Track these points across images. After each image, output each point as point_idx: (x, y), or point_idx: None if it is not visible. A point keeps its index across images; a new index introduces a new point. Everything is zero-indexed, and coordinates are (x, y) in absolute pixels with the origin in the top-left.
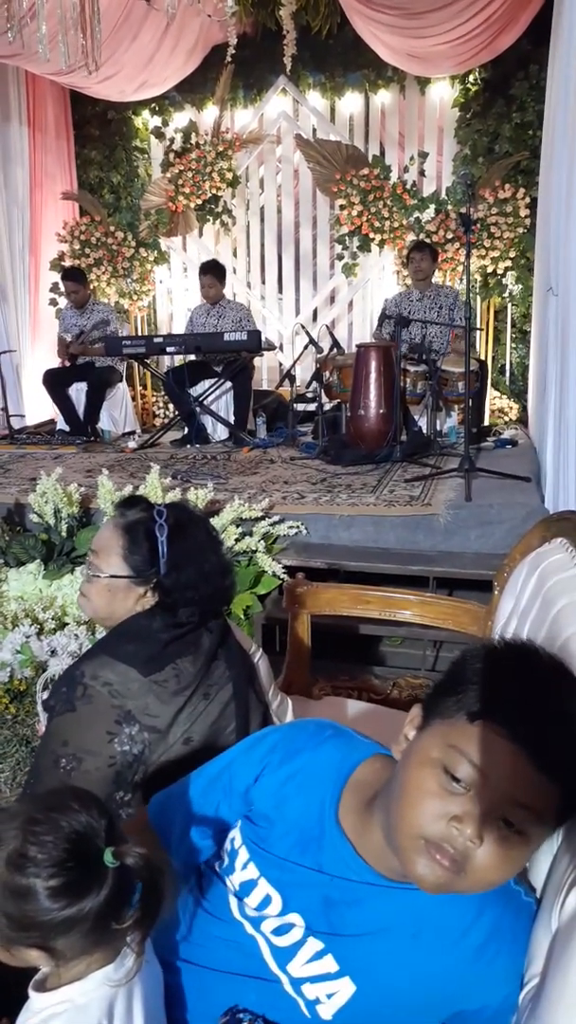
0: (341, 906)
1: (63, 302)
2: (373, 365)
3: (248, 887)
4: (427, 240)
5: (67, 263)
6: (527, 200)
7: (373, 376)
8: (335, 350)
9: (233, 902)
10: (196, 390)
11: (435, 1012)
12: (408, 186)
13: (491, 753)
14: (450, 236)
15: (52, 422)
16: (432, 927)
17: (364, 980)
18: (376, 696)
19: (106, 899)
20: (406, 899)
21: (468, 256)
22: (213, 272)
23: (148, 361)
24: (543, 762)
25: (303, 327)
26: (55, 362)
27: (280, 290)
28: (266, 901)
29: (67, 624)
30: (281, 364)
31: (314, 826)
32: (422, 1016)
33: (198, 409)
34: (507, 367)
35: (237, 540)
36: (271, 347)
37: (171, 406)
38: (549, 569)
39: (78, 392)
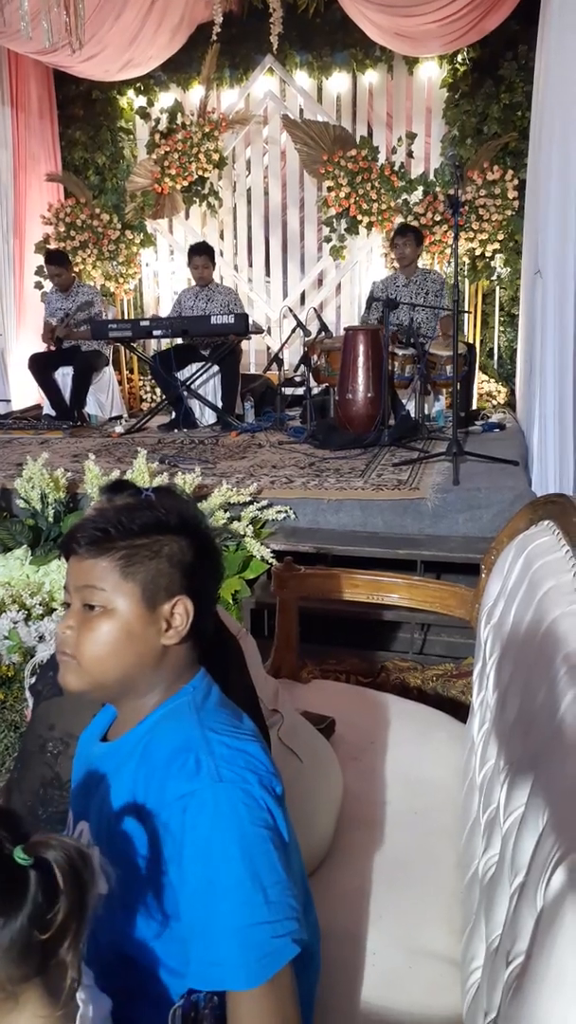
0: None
1: (48, 285)
2: (361, 349)
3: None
4: (414, 223)
5: (52, 246)
6: (515, 182)
7: (361, 360)
8: (323, 333)
9: None
10: (183, 374)
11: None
12: (396, 167)
13: (67, 572)
14: (438, 218)
15: (38, 407)
16: (124, 766)
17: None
18: (364, 679)
19: (32, 903)
20: (114, 749)
21: (456, 238)
22: (207, 253)
23: (135, 345)
24: (79, 550)
25: (291, 310)
26: (41, 346)
27: (268, 273)
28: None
29: (55, 610)
30: (269, 348)
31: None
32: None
33: (185, 393)
34: (495, 350)
35: (225, 525)
36: (259, 330)
37: (158, 390)
38: (536, 552)
39: (64, 376)
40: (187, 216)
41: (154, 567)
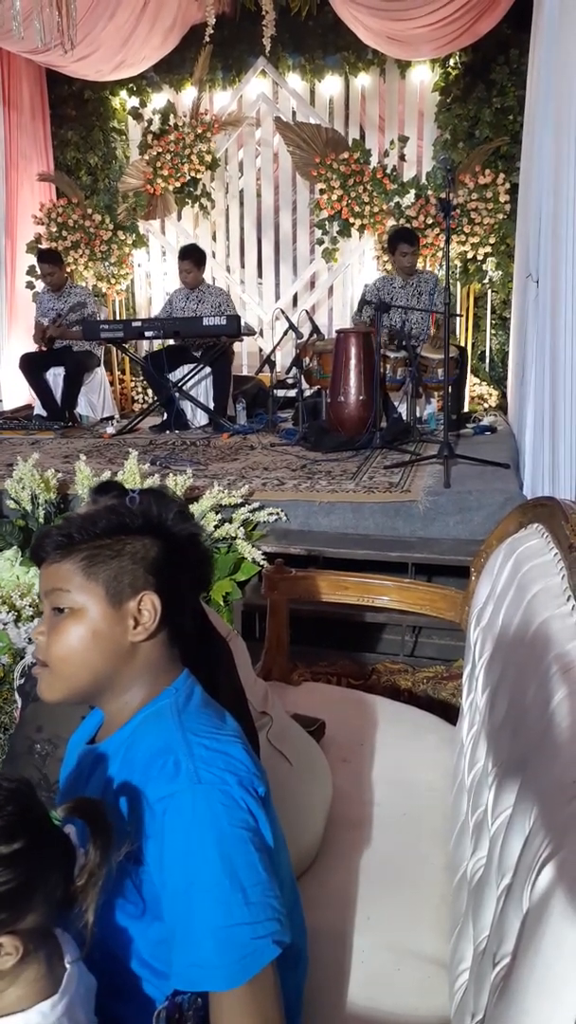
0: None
1: (40, 285)
2: (353, 351)
3: None
4: (406, 226)
5: (44, 246)
6: (507, 186)
7: (353, 362)
8: (315, 336)
9: None
10: (175, 375)
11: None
12: (388, 171)
13: (39, 579)
14: (430, 222)
15: (29, 407)
16: (108, 769)
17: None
18: (355, 681)
19: (63, 855)
20: (99, 751)
21: (448, 242)
22: (192, 257)
23: (126, 346)
24: (46, 556)
25: (283, 312)
26: (32, 346)
27: (260, 275)
28: None
29: None
30: (261, 350)
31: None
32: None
33: (177, 395)
34: (487, 354)
35: (217, 527)
36: (250, 332)
37: (150, 391)
38: (525, 554)
39: (55, 377)
40: (179, 217)
41: (116, 565)
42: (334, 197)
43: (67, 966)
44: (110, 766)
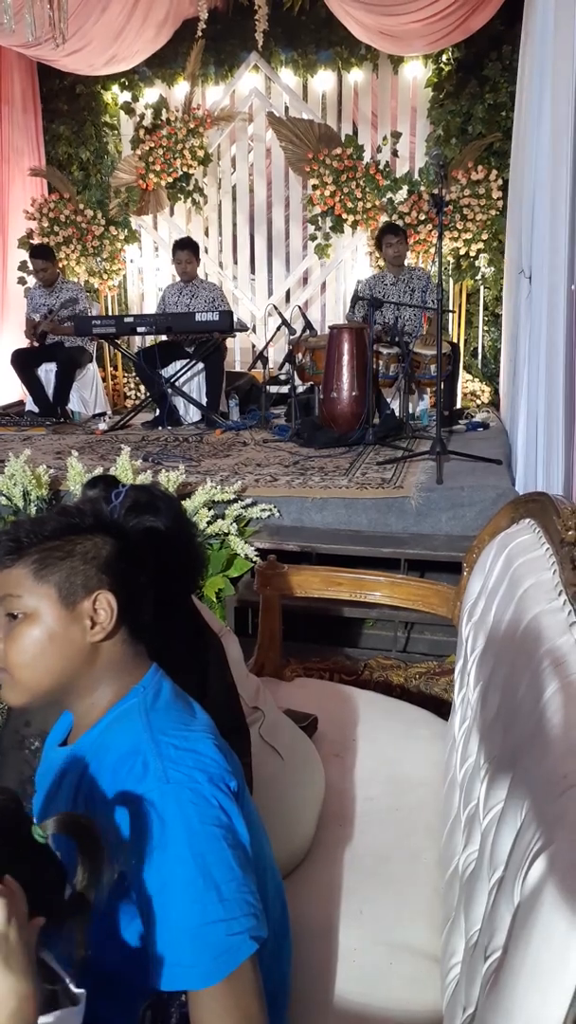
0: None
1: (32, 281)
2: (346, 347)
3: None
4: (399, 222)
5: (36, 241)
6: (499, 182)
7: (346, 358)
8: (308, 332)
9: None
10: (167, 371)
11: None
12: (381, 166)
13: None
14: (423, 218)
15: (21, 403)
16: (79, 771)
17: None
18: (347, 677)
19: (51, 877)
20: (70, 754)
21: (440, 238)
22: (190, 247)
23: (119, 341)
24: None
25: (276, 308)
26: (23, 342)
27: (252, 270)
28: None
29: None
30: (254, 345)
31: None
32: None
33: (170, 390)
34: (479, 350)
35: (209, 523)
36: (243, 328)
37: (142, 387)
38: (516, 550)
39: (47, 373)
40: (172, 213)
41: (67, 566)
42: (327, 193)
43: (77, 992)
44: (80, 769)
